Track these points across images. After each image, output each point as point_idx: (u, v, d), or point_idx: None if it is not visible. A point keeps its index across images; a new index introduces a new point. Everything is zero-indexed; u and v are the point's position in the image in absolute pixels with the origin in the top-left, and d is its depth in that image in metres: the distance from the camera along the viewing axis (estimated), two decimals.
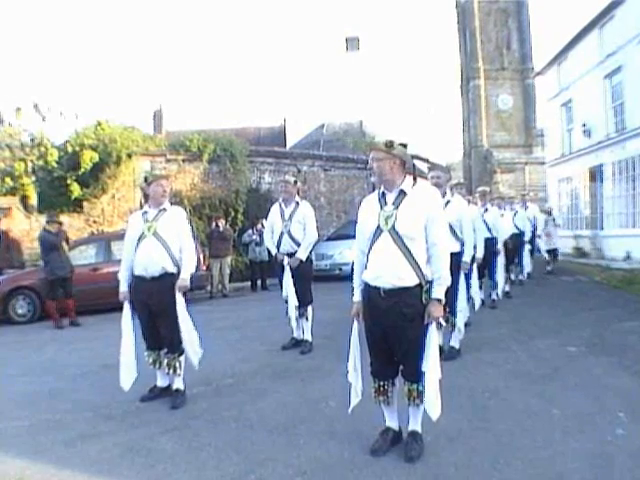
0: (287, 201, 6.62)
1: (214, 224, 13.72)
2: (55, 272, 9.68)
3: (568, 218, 21.33)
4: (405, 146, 3.44)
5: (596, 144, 18.28)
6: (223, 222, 13.87)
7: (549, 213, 15.45)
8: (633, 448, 3.44)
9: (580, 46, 19.60)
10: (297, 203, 6.59)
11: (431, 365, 3.28)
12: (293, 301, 6.46)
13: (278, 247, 6.61)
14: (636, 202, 16.13)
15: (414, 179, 3.44)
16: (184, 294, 4.72)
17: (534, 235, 13.17)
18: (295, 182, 6.71)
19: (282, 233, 6.53)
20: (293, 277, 6.48)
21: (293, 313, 6.51)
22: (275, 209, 6.72)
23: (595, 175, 18.80)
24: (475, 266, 6.97)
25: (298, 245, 6.50)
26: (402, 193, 3.37)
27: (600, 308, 8.86)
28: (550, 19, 66.77)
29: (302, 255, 6.53)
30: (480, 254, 7.02)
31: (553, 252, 14.59)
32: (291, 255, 6.51)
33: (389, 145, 3.35)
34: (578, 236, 19.65)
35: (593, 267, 15.26)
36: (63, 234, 9.88)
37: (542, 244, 14.17)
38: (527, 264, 12.35)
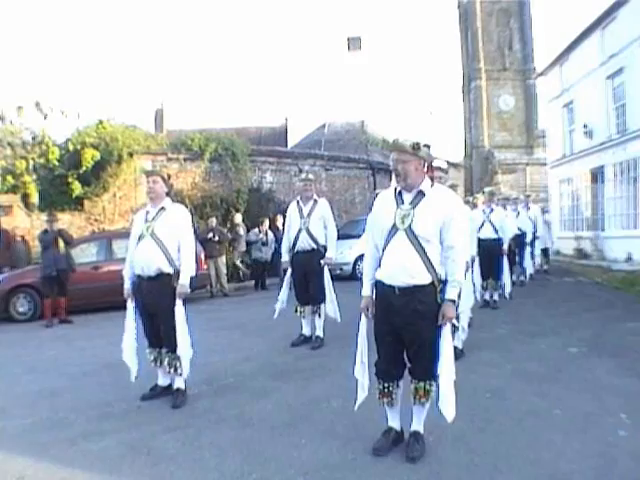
0: (306, 199, 6.76)
1: (209, 224, 13.64)
2: (44, 270, 9.74)
3: (569, 219, 21.31)
4: (429, 147, 3.42)
5: (598, 145, 18.25)
6: (214, 221, 13.76)
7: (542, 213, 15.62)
8: (635, 449, 3.44)
9: (582, 47, 19.56)
10: (315, 200, 6.76)
11: (446, 366, 3.28)
12: (283, 301, 6.87)
13: (295, 244, 6.70)
14: (637, 203, 16.09)
15: (432, 180, 3.43)
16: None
17: (534, 236, 13.16)
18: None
19: (300, 230, 6.65)
20: (307, 275, 6.66)
21: (278, 309, 6.89)
22: (293, 207, 6.85)
23: (596, 176, 18.77)
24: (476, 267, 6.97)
25: (315, 242, 6.64)
26: (421, 193, 3.35)
27: (601, 309, 8.86)
28: (552, 20, 66.78)
29: (333, 253, 6.79)
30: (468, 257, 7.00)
31: (544, 251, 14.64)
32: (307, 252, 6.62)
33: (416, 147, 3.31)
34: (579, 237, 19.63)
35: (594, 268, 15.25)
36: (54, 232, 9.84)
37: (537, 245, 14.16)
38: (528, 265, 12.36)
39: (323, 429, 3.94)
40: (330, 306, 6.67)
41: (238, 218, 14.16)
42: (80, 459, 3.61)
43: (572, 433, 3.73)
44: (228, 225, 15.25)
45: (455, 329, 5.67)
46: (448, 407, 3.28)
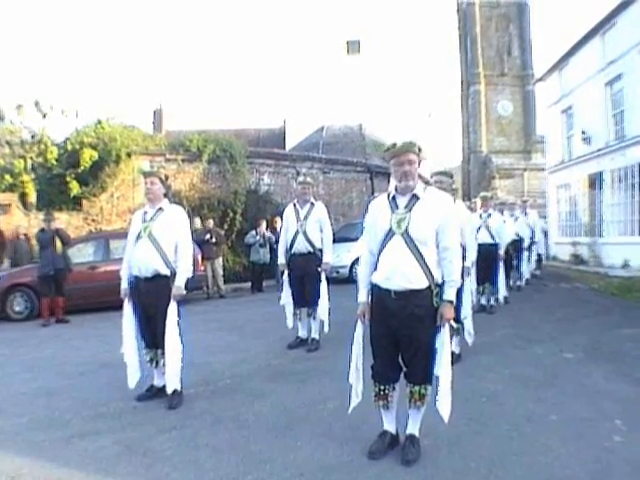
0: (302, 202, 6.76)
1: (206, 225, 13.56)
2: (41, 269, 9.75)
3: (567, 225, 21.34)
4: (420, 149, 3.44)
5: (596, 151, 18.29)
6: (211, 223, 13.76)
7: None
8: (630, 455, 3.45)
9: (581, 53, 19.61)
10: (312, 204, 6.76)
11: (444, 367, 3.31)
12: (290, 302, 6.73)
13: (291, 246, 6.68)
14: (636, 210, 16.13)
15: (425, 183, 3.45)
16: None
17: (532, 241, 13.19)
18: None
19: (297, 232, 6.63)
20: (304, 278, 6.62)
21: (290, 314, 6.74)
22: (290, 210, 6.82)
23: (595, 182, 18.81)
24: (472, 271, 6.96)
25: (312, 245, 6.62)
26: (415, 197, 3.37)
27: (597, 315, 8.88)
28: (551, 26, 67.04)
29: (329, 258, 6.75)
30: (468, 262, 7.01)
31: (537, 256, 14.68)
32: (304, 255, 6.60)
33: (420, 149, 3.35)
34: (576, 243, 19.65)
35: (591, 274, 15.27)
36: (52, 232, 9.83)
37: (534, 250, 14.19)
38: (525, 270, 12.38)
39: (319, 431, 3.94)
40: (322, 313, 6.60)
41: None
42: (76, 458, 3.60)
43: (568, 438, 3.73)
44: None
45: (454, 332, 5.70)
46: (445, 407, 3.31)
